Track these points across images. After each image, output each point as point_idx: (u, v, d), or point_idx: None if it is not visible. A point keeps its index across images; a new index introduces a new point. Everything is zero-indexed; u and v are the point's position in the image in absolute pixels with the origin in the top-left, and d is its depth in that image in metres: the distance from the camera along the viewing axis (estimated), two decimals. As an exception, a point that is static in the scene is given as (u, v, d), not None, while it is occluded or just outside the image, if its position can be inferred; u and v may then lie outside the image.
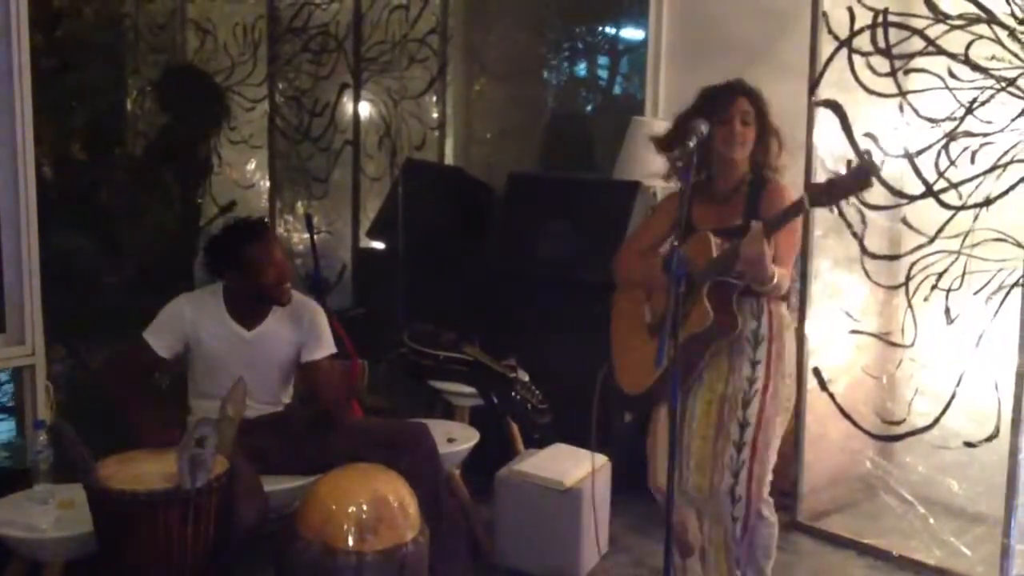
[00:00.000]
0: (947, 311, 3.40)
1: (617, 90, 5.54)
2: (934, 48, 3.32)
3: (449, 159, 5.56)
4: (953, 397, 3.39)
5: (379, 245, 5.35)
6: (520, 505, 3.40)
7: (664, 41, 4.38)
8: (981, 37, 3.22)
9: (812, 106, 3.62)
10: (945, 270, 3.39)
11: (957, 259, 3.36)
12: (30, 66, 3.31)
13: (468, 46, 5.62)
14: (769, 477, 2.78)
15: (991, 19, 3.19)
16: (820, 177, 3.64)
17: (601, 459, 3.53)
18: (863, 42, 3.49)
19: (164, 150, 5.97)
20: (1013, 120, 3.19)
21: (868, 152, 2.48)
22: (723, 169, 2.78)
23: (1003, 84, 3.20)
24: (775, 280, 2.59)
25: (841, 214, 3.61)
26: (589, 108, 5.54)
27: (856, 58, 3.51)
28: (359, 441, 3.04)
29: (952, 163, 3.35)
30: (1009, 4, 3.16)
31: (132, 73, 6.58)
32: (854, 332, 3.72)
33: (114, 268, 5.54)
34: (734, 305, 2.68)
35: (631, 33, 5.30)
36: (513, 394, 3.70)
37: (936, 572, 3.42)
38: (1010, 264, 3.22)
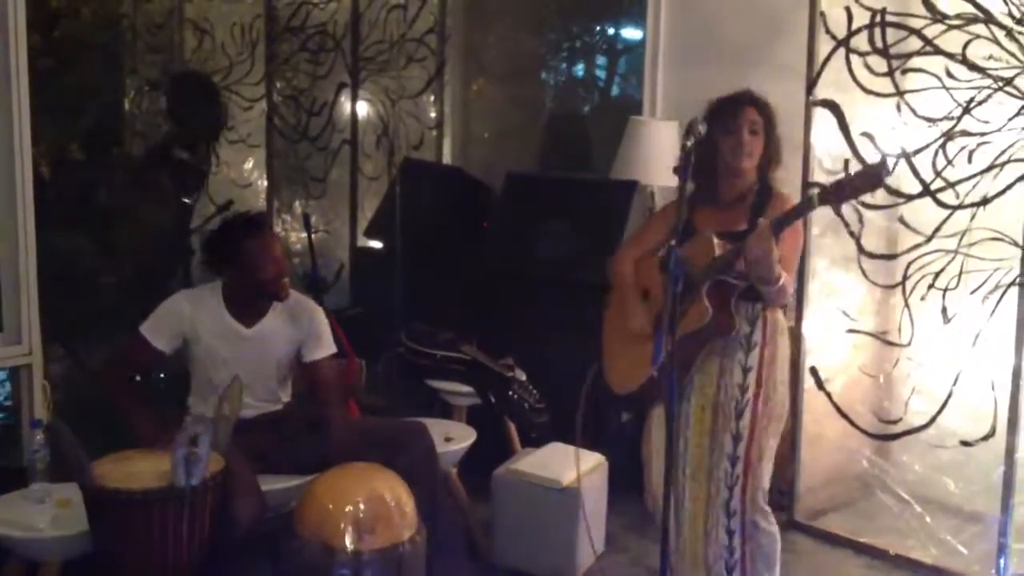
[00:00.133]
0: (944, 310, 3.41)
1: (615, 90, 5.55)
2: (931, 48, 3.32)
3: (447, 159, 5.56)
4: (950, 396, 3.40)
5: (377, 244, 5.35)
6: (517, 504, 3.40)
7: (662, 41, 4.38)
8: (978, 37, 3.23)
9: (810, 106, 3.62)
10: (942, 269, 3.40)
11: (954, 258, 3.36)
12: (28, 66, 3.31)
13: (466, 46, 5.62)
14: (765, 487, 2.77)
15: (988, 19, 3.20)
16: (817, 177, 3.65)
17: (598, 458, 3.53)
18: (861, 42, 3.49)
19: (164, 156, 5.95)
20: (1010, 120, 3.20)
21: (885, 157, 2.45)
22: (729, 178, 2.76)
23: (1000, 84, 3.20)
24: (780, 282, 2.58)
25: (839, 213, 3.60)
26: (587, 108, 5.55)
27: (854, 58, 3.51)
28: (356, 440, 3.03)
29: (949, 162, 3.35)
30: (1007, 4, 3.17)
31: (130, 73, 6.59)
32: (851, 331, 3.73)
33: (112, 268, 5.54)
34: (733, 306, 2.67)
35: (629, 33, 5.30)
36: (510, 393, 3.70)
37: (932, 571, 3.42)
38: (1007, 263, 3.22)
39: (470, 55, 5.63)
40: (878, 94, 3.49)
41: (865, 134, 3.55)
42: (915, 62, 3.41)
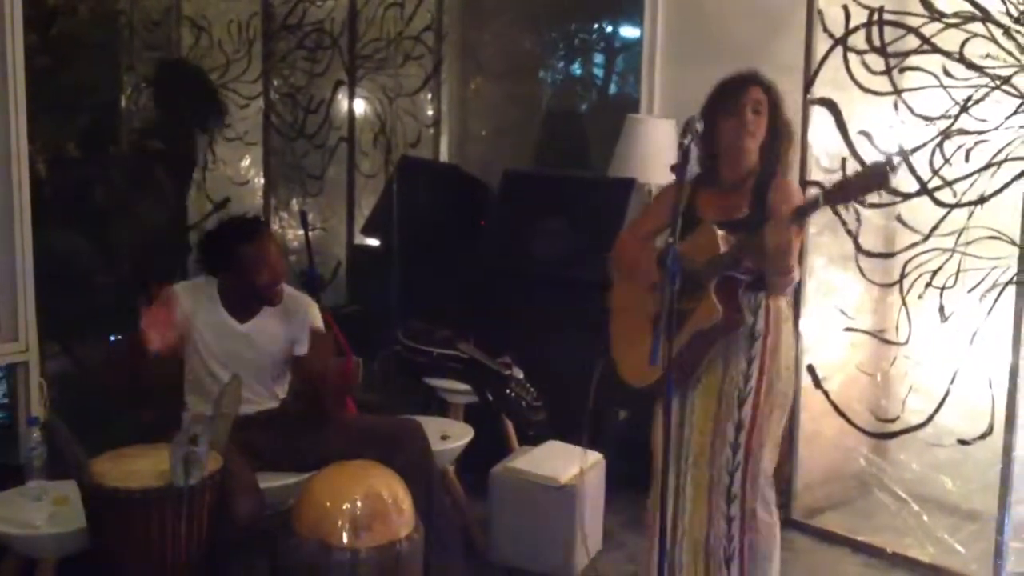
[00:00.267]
0: (941, 309, 3.41)
1: (613, 88, 5.55)
2: (929, 46, 3.33)
3: (444, 157, 5.56)
4: (947, 395, 3.40)
5: (374, 242, 5.35)
6: (515, 502, 3.40)
7: (659, 39, 4.38)
8: (976, 35, 3.23)
9: (807, 104, 3.62)
10: (939, 268, 3.40)
11: (951, 257, 3.36)
12: (24, 65, 3.31)
13: (463, 44, 5.61)
14: (769, 474, 2.76)
15: (986, 17, 3.20)
16: (815, 176, 3.65)
17: (596, 456, 3.53)
18: (858, 40, 3.49)
19: (140, 147, 5.94)
20: (1007, 118, 3.20)
21: (891, 156, 2.44)
22: (730, 158, 2.72)
23: (998, 82, 3.20)
24: (794, 272, 2.57)
25: (836, 212, 3.61)
26: (584, 106, 5.54)
27: (851, 56, 3.51)
28: (353, 438, 3.03)
29: (947, 161, 3.35)
30: (1004, 3, 3.17)
31: (127, 70, 6.58)
32: (848, 330, 3.73)
33: (108, 265, 5.53)
34: (741, 299, 2.65)
35: (627, 31, 5.30)
36: (508, 391, 3.70)
37: (930, 569, 3.42)
38: (1004, 262, 3.22)
39: (467, 53, 5.62)
40: (876, 92, 3.50)
41: (863, 132, 3.55)
42: (913, 60, 3.41)
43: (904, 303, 3.52)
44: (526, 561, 3.38)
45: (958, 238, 3.33)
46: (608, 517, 3.61)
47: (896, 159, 2.51)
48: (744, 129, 2.67)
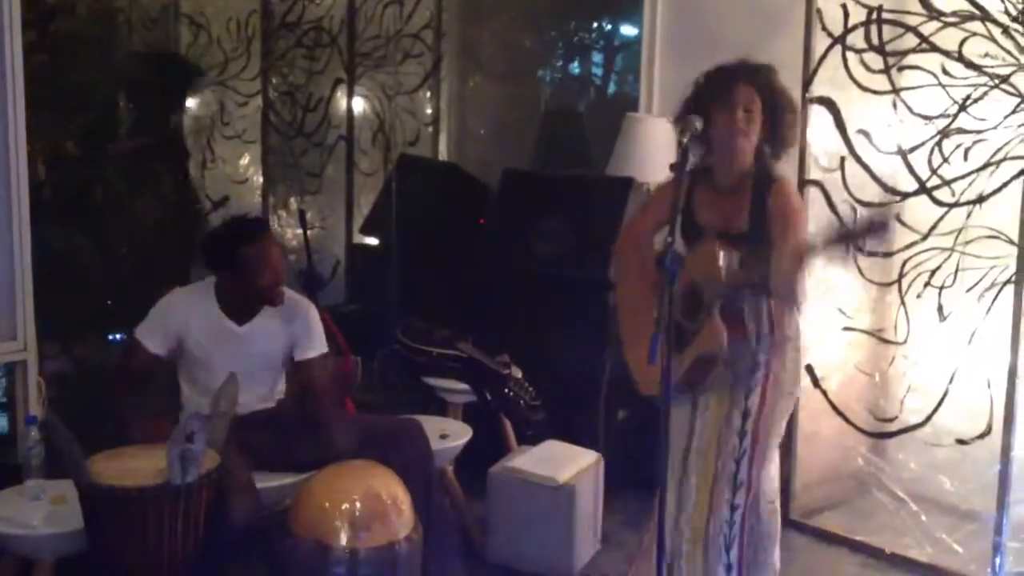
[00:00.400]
0: (940, 308, 3.41)
1: (612, 87, 5.54)
2: (928, 45, 3.32)
3: (443, 155, 5.55)
4: (946, 394, 3.40)
5: (373, 241, 5.34)
6: (513, 502, 3.40)
7: (658, 38, 4.37)
8: (975, 34, 3.22)
9: (806, 103, 3.61)
10: (938, 267, 3.40)
11: (950, 256, 3.36)
12: (23, 63, 3.30)
13: (463, 42, 5.61)
14: (775, 460, 2.77)
15: (985, 16, 3.20)
16: (814, 175, 3.65)
17: (595, 456, 3.53)
18: (857, 39, 3.49)
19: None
20: (1006, 117, 3.20)
21: (884, 215, 2.42)
22: (724, 159, 2.68)
23: (996, 81, 3.20)
24: (803, 303, 2.59)
25: (834, 211, 3.61)
26: (583, 105, 5.54)
27: (850, 55, 3.51)
28: (352, 437, 3.02)
29: (945, 160, 3.35)
30: (1003, 1, 3.17)
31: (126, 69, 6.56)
32: (847, 329, 3.72)
33: (108, 265, 5.52)
34: (746, 318, 2.64)
35: (626, 30, 5.30)
36: (506, 391, 3.69)
37: (928, 569, 3.43)
38: (1003, 261, 3.22)
39: (466, 51, 5.62)
40: (874, 91, 3.49)
41: (861, 131, 3.55)
42: (911, 59, 3.41)
43: (903, 302, 3.52)
44: (524, 561, 3.38)
45: (957, 237, 3.33)
46: (607, 517, 3.61)
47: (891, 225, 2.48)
48: (736, 129, 2.63)
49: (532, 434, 3.74)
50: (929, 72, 3.34)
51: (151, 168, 5.87)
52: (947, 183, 3.35)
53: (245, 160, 6.40)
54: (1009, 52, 3.17)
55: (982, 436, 3.29)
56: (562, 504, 3.34)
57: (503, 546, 3.42)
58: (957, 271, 3.35)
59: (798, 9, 3.63)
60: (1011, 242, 3.18)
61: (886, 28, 3.43)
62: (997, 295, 3.24)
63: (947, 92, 3.31)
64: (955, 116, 3.30)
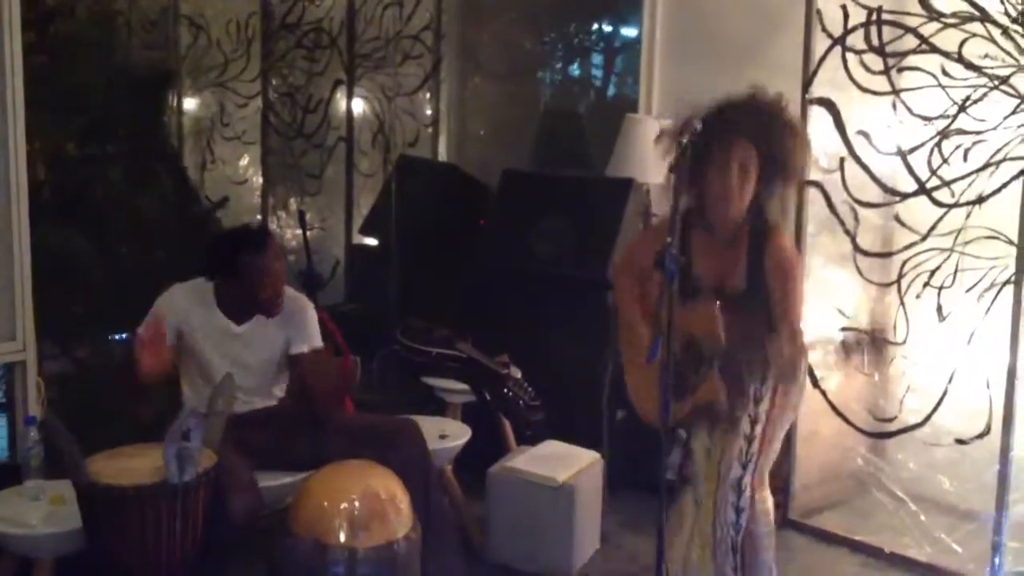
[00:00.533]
0: (939, 309, 3.41)
1: (611, 89, 5.55)
2: (927, 46, 3.32)
3: (443, 156, 5.56)
4: (945, 394, 3.40)
5: (372, 241, 5.35)
6: (512, 501, 3.40)
7: (658, 39, 4.38)
8: (974, 35, 3.23)
9: (806, 104, 3.62)
10: (937, 268, 3.40)
11: (949, 257, 3.36)
12: (22, 64, 3.31)
13: (462, 43, 5.61)
14: (770, 465, 2.82)
15: (984, 17, 3.20)
16: (813, 175, 3.65)
17: (594, 456, 3.54)
18: (857, 40, 3.49)
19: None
20: (1006, 118, 3.20)
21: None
22: (718, 212, 2.68)
23: (996, 82, 3.20)
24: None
25: (834, 211, 3.61)
26: (583, 106, 5.54)
27: (850, 56, 3.51)
28: (351, 437, 3.03)
29: (945, 161, 3.35)
30: (1003, 3, 3.17)
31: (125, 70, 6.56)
32: (846, 329, 3.73)
33: (108, 265, 5.52)
34: (746, 380, 2.69)
35: (625, 31, 5.30)
36: (506, 391, 3.70)
37: (927, 569, 3.43)
38: (1002, 262, 3.22)
39: (466, 52, 5.62)
40: (874, 92, 3.49)
41: (861, 132, 3.55)
42: (911, 60, 3.41)
43: (902, 303, 3.52)
44: (524, 560, 3.38)
45: (956, 238, 3.33)
46: (606, 517, 3.61)
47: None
48: (730, 190, 2.62)
49: (531, 434, 3.74)
50: (929, 73, 3.34)
51: (150, 169, 5.88)
52: (947, 184, 3.35)
53: (245, 161, 6.40)
54: (1009, 53, 3.17)
55: (981, 436, 3.29)
56: (561, 504, 3.34)
57: (502, 546, 3.42)
58: (956, 271, 3.35)
59: (798, 10, 3.63)
60: (1010, 242, 3.18)
61: (886, 29, 3.43)
62: (996, 295, 3.24)
63: (947, 93, 3.31)
64: (955, 117, 3.30)
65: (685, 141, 2.42)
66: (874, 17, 3.44)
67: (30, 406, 3.39)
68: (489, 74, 5.59)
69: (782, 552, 3.49)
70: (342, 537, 2.55)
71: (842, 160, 3.58)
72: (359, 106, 5.68)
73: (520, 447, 3.72)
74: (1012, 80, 3.18)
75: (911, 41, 3.38)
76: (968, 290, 3.32)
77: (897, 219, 3.54)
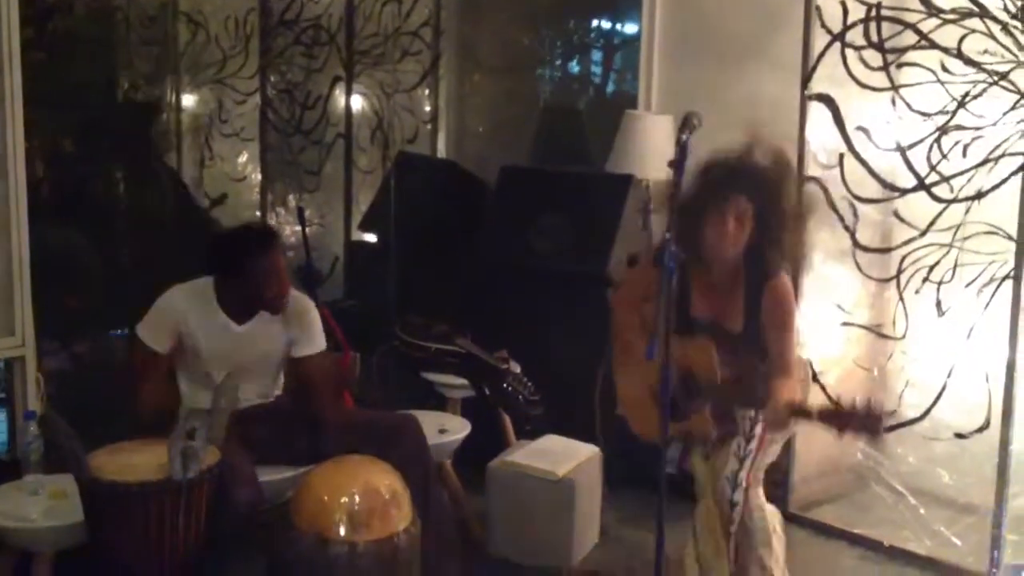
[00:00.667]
0: (938, 304, 3.42)
1: (611, 86, 5.55)
2: (927, 42, 3.33)
3: (441, 152, 5.55)
4: (944, 389, 3.41)
5: (371, 238, 5.35)
6: (512, 496, 3.40)
7: (657, 35, 4.38)
8: (974, 31, 3.23)
9: (805, 100, 3.62)
10: (936, 263, 3.41)
11: (948, 252, 3.37)
12: (20, 60, 3.31)
13: (461, 40, 5.61)
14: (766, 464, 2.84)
15: (984, 13, 3.20)
16: (812, 172, 3.65)
17: (593, 450, 3.54)
18: (856, 36, 3.49)
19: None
20: (1005, 114, 3.21)
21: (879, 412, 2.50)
22: (715, 259, 2.74)
23: (995, 78, 3.21)
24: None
25: (833, 207, 3.61)
26: (582, 103, 5.54)
27: (849, 52, 3.51)
28: (350, 433, 3.03)
29: (944, 157, 3.36)
30: (1002, -2, 3.18)
31: (124, 66, 6.57)
32: (845, 324, 3.73)
33: (107, 261, 5.52)
34: (738, 419, 2.73)
35: (625, 27, 5.30)
36: (505, 386, 3.70)
37: (926, 562, 3.43)
38: (1001, 257, 3.23)
39: (465, 49, 5.62)
40: (873, 88, 3.50)
41: (860, 128, 3.55)
42: (910, 56, 3.41)
43: (901, 298, 3.53)
44: (523, 555, 3.38)
45: (955, 233, 3.34)
46: (605, 512, 3.61)
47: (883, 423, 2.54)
48: (725, 239, 2.68)
49: (531, 429, 3.74)
50: (928, 69, 3.35)
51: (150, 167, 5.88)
52: (946, 179, 3.35)
53: (243, 158, 6.39)
54: (1008, 49, 3.18)
55: (980, 430, 3.30)
56: (561, 498, 3.34)
57: (502, 540, 3.43)
58: (956, 267, 3.36)
59: (797, 6, 3.63)
60: (1009, 238, 3.19)
61: (885, 25, 3.43)
62: (996, 290, 3.25)
63: (946, 89, 3.31)
64: (954, 113, 3.30)
65: (684, 138, 2.42)
66: (873, 13, 3.44)
67: (30, 401, 3.39)
68: (488, 70, 5.59)
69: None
70: (343, 531, 2.55)
71: (841, 156, 3.59)
72: (358, 102, 5.67)
73: (519, 442, 3.72)
74: (1011, 76, 3.18)
75: (910, 37, 3.38)
76: (967, 285, 3.33)
77: (896, 215, 3.55)
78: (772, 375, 2.66)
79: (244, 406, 3.03)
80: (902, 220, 3.52)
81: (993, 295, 3.26)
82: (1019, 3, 3.15)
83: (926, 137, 3.39)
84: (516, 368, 3.80)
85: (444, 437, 3.44)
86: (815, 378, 3.70)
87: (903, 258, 3.50)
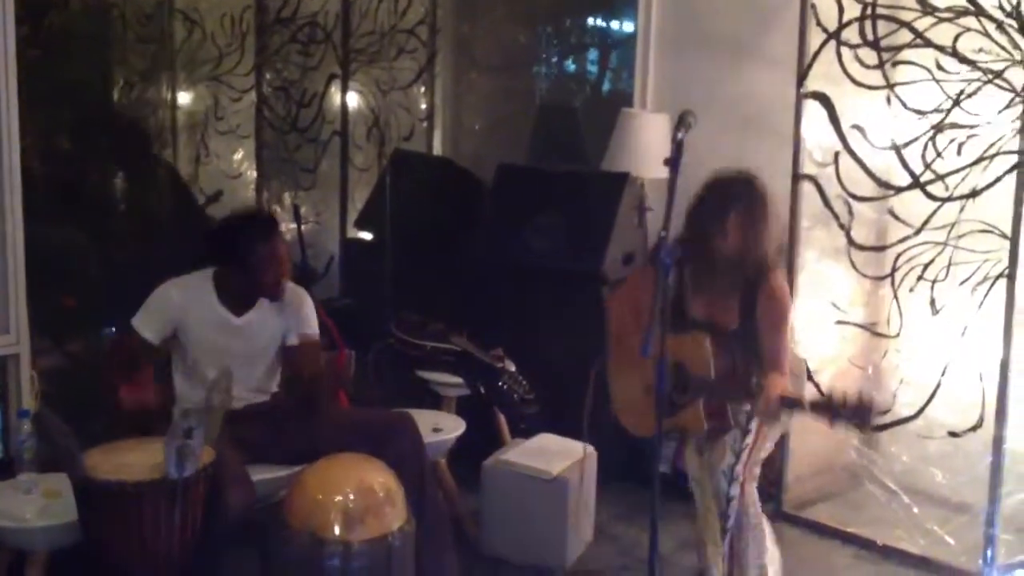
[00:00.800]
0: (932, 302, 3.42)
1: (607, 84, 5.55)
2: (922, 40, 3.33)
3: (437, 150, 5.55)
4: (938, 387, 3.41)
5: (367, 236, 5.34)
6: (507, 494, 3.41)
7: (653, 34, 4.38)
8: (969, 30, 3.23)
9: (800, 98, 3.63)
10: (931, 261, 3.41)
11: (943, 250, 3.37)
12: (16, 57, 3.30)
13: (457, 38, 5.61)
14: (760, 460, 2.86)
15: (979, 12, 3.20)
16: (807, 169, 3.66)
17: (588, 449, 3.54)
18: (851, 34, 3.49)
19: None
20: (1000, 112, 3.21)
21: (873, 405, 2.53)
22: (716, 250, 2.79)
23: (990, 76, 3.21)
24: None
25: (828, 205, 3.62)
26: (578, 101, 5.54)
27: (844, 50, 3.51)
28: (345, 431, 3.03)
29: (939, 155, 3.36)
30: (997, -4, 3.18)
31: (120, 64, 6.56)
32: (840, 323, 3.74)
33: (102, 259, 5.52)
34: (729, 415, 2.75)
35: (621, 26, 5.30)
36: (500, 384, 3.70)
37: (920, 561, 3.44)
38: (995, 255, 3.23)
39: (461, 47, 5.61)
40: (868, 86, 3.50)
41: (855, 126, 3.55)
42: (905, 55, 3.41)
43: (896, 296, 3.53)
44: (518, 553, 3.38)
45: (950, 231, 3.34)
46: (599, 510, 3.62)
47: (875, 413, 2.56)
48: (724, 246, 2.75)
49: (525, 427, 3.75)
50: (923, 67, 3.35)
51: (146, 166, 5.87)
52: (940, 178, 3.36)
53: (239, 155, 6.37)
54: (1003, 47, 3.18)
55: (974, 429, 3.31)
56: (555, 497, 3.34)
57: (496, 538, 3.43)
58: (950, 265, 3.36)
59: (793, 4, 3.64)
60: (1004, 236, 3.19)
61: (880, 23, 3.43)
62: (990, 289, 3.25)
63: (941, 87, 3.31)
64: (949, 111, 3.31)
65: (681, 136, 2.43)
66: (868, 11, 3.44)
67: (24, 399, 3.39)
68: (484, 68, 5.59)
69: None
70: (337, 530, 2.55)
71: (836, 154, 3.59)
72: (354, 100, 5.66)
73: (514, 440, 3.73)
74: (1006, 74, 3.18)
75: (905, 35, 3.38)
76: (961, 283, 3.33)
77: (891, 213, 3.55)
78: (765, 371, 2.69)
79: (239, 404, 3.03)
80: (897, 218, 3.53)
81: (987, 293, 3.26)
82: (1014, 1, 3.15)
83: (921, 135, 3.39)
84: (511, 366, 3.80)
85: (439, 435, 3.44)
86: (810, 376, 3.71)
87: (898, 256, 3.50)
